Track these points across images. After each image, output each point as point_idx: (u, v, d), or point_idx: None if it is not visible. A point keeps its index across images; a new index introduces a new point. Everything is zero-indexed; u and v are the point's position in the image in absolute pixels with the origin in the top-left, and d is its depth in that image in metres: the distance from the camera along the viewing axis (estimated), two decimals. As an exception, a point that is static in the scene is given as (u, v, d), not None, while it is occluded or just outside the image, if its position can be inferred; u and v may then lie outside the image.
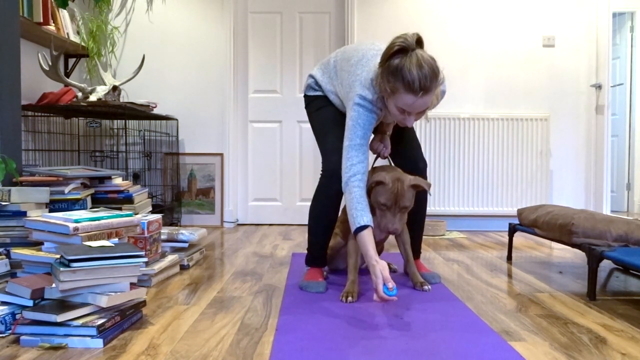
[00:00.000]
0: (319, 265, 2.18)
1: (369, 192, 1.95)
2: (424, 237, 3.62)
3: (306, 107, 2.25)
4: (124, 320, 1.56)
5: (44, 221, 1.86)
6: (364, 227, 1.79)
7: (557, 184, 4.12)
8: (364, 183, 1.87)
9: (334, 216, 2.11)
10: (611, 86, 5.06)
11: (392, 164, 2.23)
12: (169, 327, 1.61)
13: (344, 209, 2.29)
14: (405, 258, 2.18)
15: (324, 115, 2.14)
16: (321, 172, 2.08)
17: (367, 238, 1.78)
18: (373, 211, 1.96)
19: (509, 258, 2.78)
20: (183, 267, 2.48)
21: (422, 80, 1.69)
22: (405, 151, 2.23)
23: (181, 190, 4.12)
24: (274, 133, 4.23)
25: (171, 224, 3.93)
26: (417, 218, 2.25)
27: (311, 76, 2.21)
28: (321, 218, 2.10)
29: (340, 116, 2.12)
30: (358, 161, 1.86)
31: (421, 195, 2.23)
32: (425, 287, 2.07)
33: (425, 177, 2.21)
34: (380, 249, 2.46)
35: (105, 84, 3.22)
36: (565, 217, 2.20)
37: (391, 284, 1.67)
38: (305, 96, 2.24)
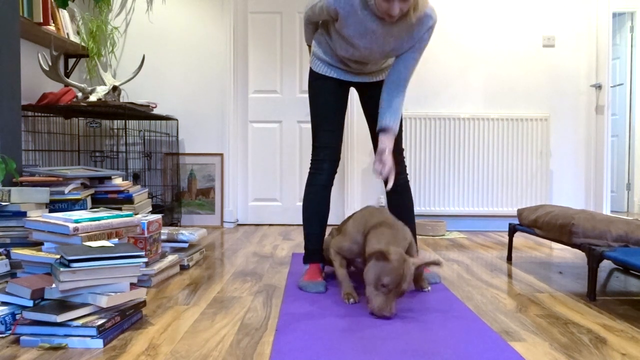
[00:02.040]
0: (316, 260, 2.19)
1: (365, 261, 1.79)
2: (424, 237, 3.62)
3: (308, 85, 2.31)
4: (124, 320, 1.56)
5: (44, 221, 1.86)
6: None
7: (557, 184, 4.12)
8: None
9: (326, 206, 2.19)
10: (611, 86, 5.06)
11: (385, 203, 2.25)
12: (169, 327, 1.61)
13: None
14: (406, 258, 2.17)
15: (318, 104, 2.19)
16: (310, 163, 2.19)
17: None
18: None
19: (509, 258, 2.78)
20: (183, 267, 2.48)
21: None
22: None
23: (181, 191, 4.12)
24: (274, 133, 4.22)
25: (171, 224, 3.93)
26: (406, 213, 2.28)
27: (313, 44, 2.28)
28: (313, 207, 2.17)
29: (334, 103, 2.18)
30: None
31: (405, 188, 2.28)
32: (425, 287, 2.07)
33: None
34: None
35: (105, 84, 3.22)
36: (565, 217, 2.20)
37: None
38: (310, 70, 2.27)
